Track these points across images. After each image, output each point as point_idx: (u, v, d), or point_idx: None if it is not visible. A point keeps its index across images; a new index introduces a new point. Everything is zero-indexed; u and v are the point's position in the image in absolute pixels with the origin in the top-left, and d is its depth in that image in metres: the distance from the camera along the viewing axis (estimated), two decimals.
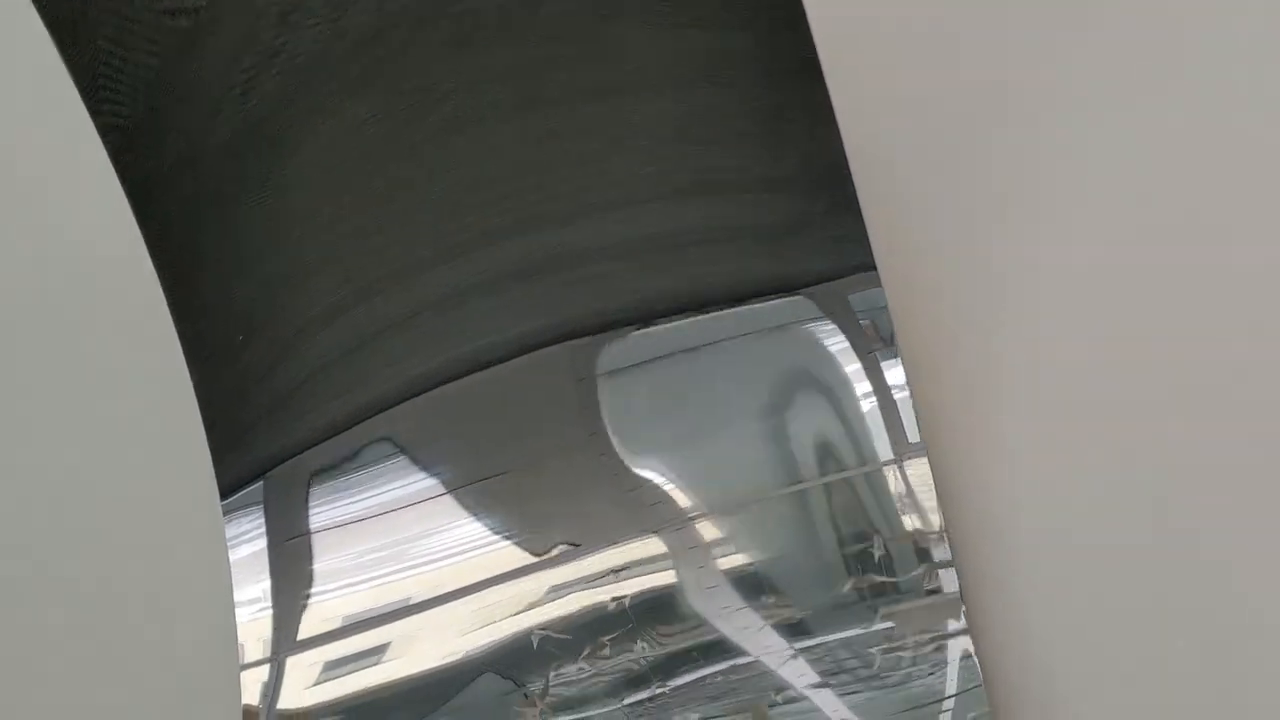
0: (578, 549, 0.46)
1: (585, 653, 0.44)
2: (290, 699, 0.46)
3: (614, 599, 0.45)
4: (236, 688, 0.45)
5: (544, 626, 0.45)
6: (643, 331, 0.47)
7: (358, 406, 0.48)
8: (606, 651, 0.44)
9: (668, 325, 0.47)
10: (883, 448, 0.45)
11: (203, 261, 0.47)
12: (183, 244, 0.46)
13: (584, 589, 0.45)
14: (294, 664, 0.46)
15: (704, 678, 0.44)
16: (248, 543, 0.47)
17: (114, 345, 0.51)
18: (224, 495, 0.47)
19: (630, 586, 0.45)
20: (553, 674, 0.44)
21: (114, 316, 0.51)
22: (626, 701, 0.44)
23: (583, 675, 0.44)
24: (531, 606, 0.45)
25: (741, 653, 0.44)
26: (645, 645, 0.44)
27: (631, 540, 0.46)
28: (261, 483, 0.48)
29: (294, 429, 0.48)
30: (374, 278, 0.47)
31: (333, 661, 0.46)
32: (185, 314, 0.47)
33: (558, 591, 0.45)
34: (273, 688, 0.46)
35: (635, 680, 0.44)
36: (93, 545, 0.49)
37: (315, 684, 0.46)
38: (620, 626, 0.45)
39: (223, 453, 0.47)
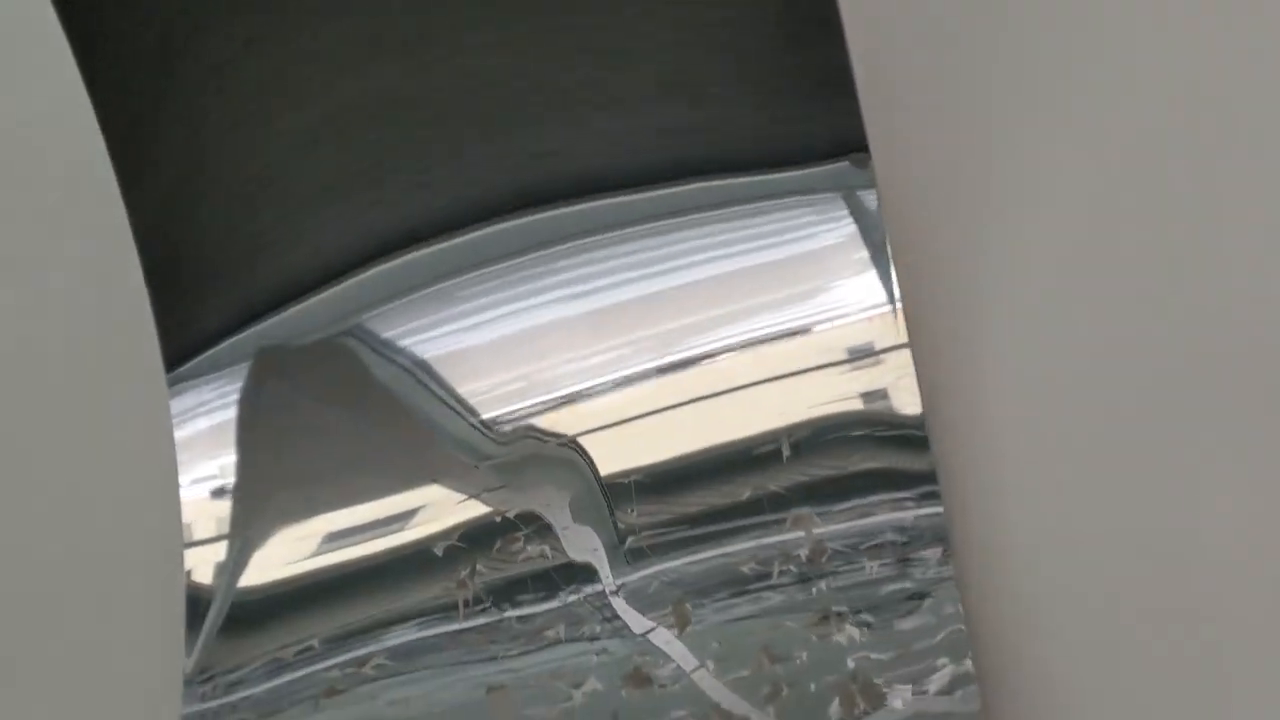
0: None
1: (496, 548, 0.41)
2: (259, 575, 0.43)
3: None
4: (180, 568, 0.44)
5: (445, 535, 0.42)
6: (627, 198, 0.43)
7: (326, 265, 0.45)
8: (519, 545, 0.41)
9: (653, 194, 0.43)
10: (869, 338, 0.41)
11: (150, 112, 0.44)
12: (128, 96, 0.44)
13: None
14: (278, 539, 0.44)
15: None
16: (205, 415, 0.45)
17: (52, 205, 0.49)
18: (170, 366, 0.45)
19: None
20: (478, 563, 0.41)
21: (53, 176, 0.49)
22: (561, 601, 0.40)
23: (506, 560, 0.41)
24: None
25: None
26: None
27: None
28: (225, 350, 0.45)
29: (254, 292, 0.45)
30: (338, 124, 0.44)
31: (335, 533, 0.44)
32: (127, 165, 0.44)
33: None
34: (232, 566, 0.44)
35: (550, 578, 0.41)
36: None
37: (310, 557, 0.44)
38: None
39: (169, 320, 0.45)
